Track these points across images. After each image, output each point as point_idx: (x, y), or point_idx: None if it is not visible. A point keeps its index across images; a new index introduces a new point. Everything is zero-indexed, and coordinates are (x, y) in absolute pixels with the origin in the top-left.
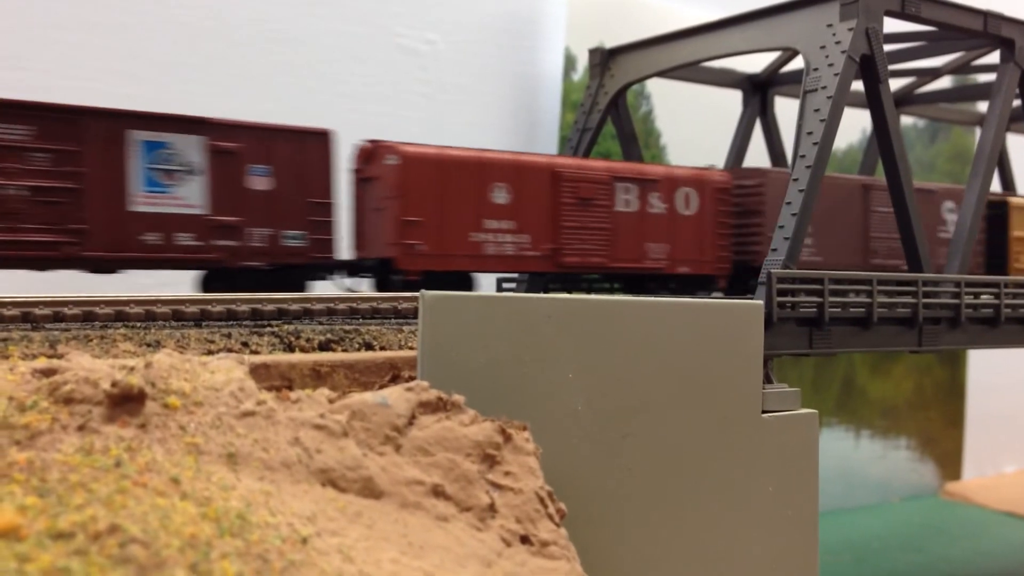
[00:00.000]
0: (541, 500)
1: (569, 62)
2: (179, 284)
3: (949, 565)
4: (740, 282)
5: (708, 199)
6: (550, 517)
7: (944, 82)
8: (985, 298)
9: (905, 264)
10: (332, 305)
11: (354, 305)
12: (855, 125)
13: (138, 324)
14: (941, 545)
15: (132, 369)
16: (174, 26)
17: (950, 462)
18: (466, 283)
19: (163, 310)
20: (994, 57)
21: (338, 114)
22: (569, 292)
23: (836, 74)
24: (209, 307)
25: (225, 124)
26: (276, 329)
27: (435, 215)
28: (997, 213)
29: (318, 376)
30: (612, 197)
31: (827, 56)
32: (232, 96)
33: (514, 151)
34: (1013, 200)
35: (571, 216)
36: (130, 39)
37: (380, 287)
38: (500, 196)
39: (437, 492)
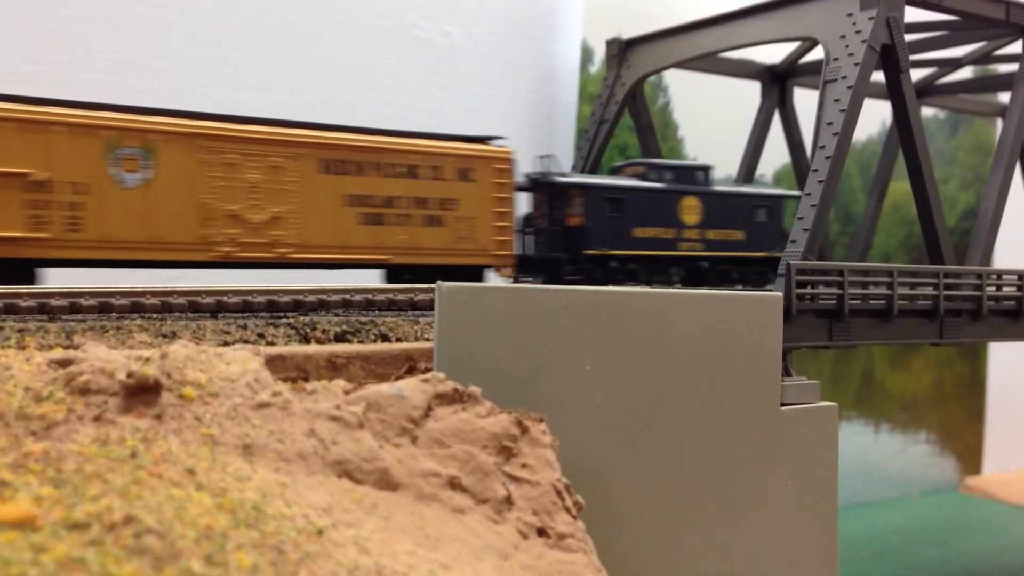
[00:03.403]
0: (558, 493)
1: (586, 54)
2: (191, 277)
3: (970, 560)
4: None
5: None
6: (567, 510)
7: (965, 72)
8: (1008, 290)
9: None
10: (348, 296)
11: (370, 297)
12: (875, 116)
13: (154, 315)
14: (961, 540)
15: (148, 360)
16: (194, 19)
17: (970, 457)
18: None
19: (179, 301)
20: (1016, 47)
21: (356, 106)
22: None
23: (856, 64)
24: (225, 298)
25: None
26: (292, 320)
27: None
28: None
29: (334, 367)
30: None
31: (847, 46)
32: (250, 89)
33: None
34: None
35: None
36: (150, 32)
37: None
38: None
39: (453, 484)
